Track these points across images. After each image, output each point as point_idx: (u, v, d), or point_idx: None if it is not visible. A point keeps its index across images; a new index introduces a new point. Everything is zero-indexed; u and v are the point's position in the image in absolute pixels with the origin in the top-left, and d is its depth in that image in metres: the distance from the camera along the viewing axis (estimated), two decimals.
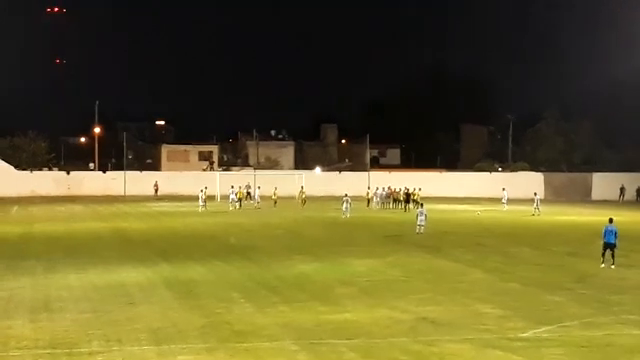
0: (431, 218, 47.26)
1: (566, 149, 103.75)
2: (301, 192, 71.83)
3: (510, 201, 69.71)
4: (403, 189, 69.32)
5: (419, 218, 45.25)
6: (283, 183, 74.34)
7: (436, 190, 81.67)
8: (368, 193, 71.12)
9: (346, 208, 57.31)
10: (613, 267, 30.90)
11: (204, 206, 64.09)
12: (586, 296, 25.26)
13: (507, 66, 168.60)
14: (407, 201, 64.70)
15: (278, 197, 69.75)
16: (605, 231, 31.53)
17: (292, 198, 70.79)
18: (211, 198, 66.48)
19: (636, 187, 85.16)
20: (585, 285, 27.44)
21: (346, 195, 58.58)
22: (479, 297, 24.88)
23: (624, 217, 56.58)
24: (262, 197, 69.88)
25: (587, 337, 19.68)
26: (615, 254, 31.24)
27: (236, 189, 68.65)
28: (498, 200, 67.47)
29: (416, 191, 69.10)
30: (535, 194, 63.01)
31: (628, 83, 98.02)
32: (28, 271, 30.36)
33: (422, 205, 48.55)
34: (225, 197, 69.32)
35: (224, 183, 73.48)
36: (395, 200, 70.38)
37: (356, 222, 53.56)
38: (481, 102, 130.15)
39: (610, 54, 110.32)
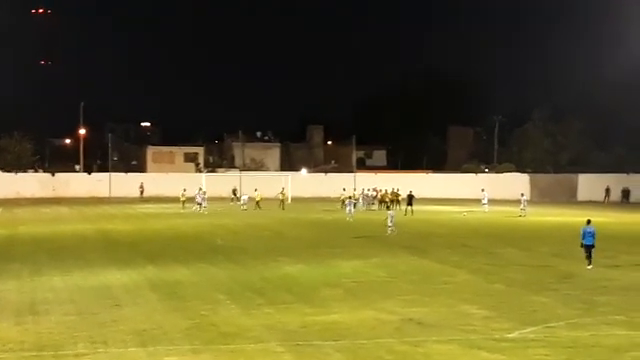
0: (417, 219, 47.38)
1: (553, 150, 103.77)
2: (282, 193, 71.39)
3: (496, 202, 69.75)
4: (408, 191, 68.55)
5: (388, 220, 45.05)
6: (269, 185, 74.03)
7: (422, 191, 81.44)
8: (355, 195, 70.93)
9: (350, 211, 56.75)
10: (590, 267, 30.97)
11: (205, 207, 64.27)
12: (572, 297, 25.32)
13: (496, 68, 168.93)
14: (410, 203, 63.08)
15: (262, 198, 68.93)
16: (584, 232, 31.56)
17: (276, 200, 70.30)
18: (192, 199, 66.46)
19: (621, 188, 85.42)
20: (571, 286, 27.50)
21: (350, 198, 59.10)
22: (465, 298, 24.92)
23: (609, 218, 56.93)
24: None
25: (573, 337, 19.73)
26: (593, 254, 31.35)
27: (202, 193, 67.54)
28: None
29: (388, 191, 69.58)
30: (522, 195, 63.23)
31: (619, 84, 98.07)
32: (13, 274, 30.22)
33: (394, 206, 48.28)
34: (215, 199, 69.16)
35: (210, 185, 73.24)
36: (381, 202, 70.22)
37: (342, 223, 53.52)
38: (469, 104, 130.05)
39: (601, 54, 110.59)
